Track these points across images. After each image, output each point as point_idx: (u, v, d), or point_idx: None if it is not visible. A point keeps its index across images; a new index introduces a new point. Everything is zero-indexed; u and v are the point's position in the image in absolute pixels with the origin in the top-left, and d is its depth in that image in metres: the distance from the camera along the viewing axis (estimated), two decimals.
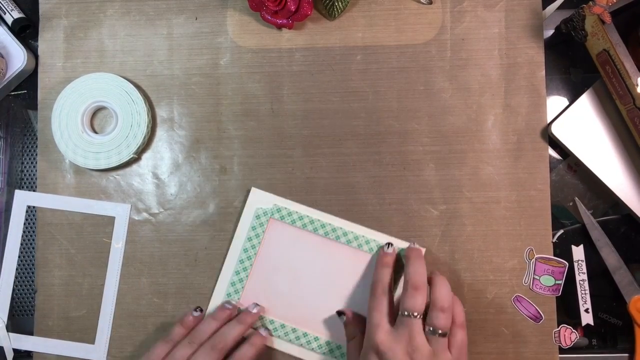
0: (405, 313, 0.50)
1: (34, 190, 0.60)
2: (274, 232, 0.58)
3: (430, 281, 0.53)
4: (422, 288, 0.51)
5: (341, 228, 0.58)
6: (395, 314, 0.51)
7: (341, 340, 0.57)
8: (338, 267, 0.58)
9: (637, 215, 0.57)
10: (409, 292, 0.51)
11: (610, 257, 0.58)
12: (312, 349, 0.57)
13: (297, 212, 0.58)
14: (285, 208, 0.58)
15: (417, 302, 0.50)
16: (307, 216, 0.58)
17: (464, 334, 0.51)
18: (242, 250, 0.58)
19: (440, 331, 0.49)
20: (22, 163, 0.61)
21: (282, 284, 0.58)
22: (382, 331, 0.50)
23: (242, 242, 0.58)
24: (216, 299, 0.58)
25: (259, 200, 0.58)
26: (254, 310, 0.56)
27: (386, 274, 0.53)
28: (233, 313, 0.56)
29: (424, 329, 0.49)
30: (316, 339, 0.57)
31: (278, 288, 0.58)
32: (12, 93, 0.62)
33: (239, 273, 0.58)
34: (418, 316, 0.49)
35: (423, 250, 0.56)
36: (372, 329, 0.51)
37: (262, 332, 0.56)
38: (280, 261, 0.58)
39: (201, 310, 0.56)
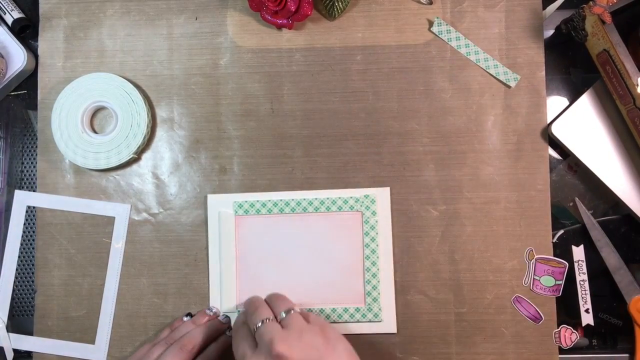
0: (258, 325, 0.48)
1: (34, 190, 0.60)
2: (243, 228, 0.58)
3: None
4: (260, 303, 0.52)
5: (304, 199, 0.58)
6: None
7: (352, 302, 0.57)
8: (316, 236, 0.58)
9: (637, 215, 0.57)
10: (252, 313, 0.51)
11: (611, 257, 0.58)
12: (334, 321, 0.57)
13: (258, 200, 0.58)
14: (246, 201, 0.58)
15: (261, 312, 0.50)
16: (269, 200, 0.58)
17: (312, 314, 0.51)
18: (219, 257, 0.58)
19: (284, 312, 0.50)
20: (22, 163, 0.61)
21: (271, 273, 0.58)
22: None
23: (217, 250, 0.58)
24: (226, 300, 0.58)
25: (218, 203, 0.58)
26: (223, 321, 0.57)
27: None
28: (212, 319, 0.57)
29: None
30: (333, 310, 0.57)
31: (270, 279, 0.58)
32: (12, 93, 0.62)
33: (227, 281, 0.58)
34: (269, 320, 0.49)
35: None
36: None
37: (221, 318, 0.57)
38: (261, 253, 0.58)
39: (191, 316, 0.57)
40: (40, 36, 0.60)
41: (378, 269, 0.57)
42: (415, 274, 0.58)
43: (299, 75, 0.60)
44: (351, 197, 0.58)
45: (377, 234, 0.58)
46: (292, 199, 0.58)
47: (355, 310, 0.57)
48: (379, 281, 0.57)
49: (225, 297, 0.58)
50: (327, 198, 0.58)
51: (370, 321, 0.57)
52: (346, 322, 0.57)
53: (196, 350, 0.52)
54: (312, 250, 0.58)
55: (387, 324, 0.57)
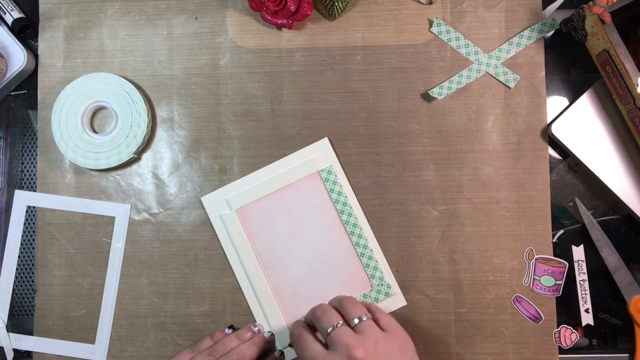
0: (329, 330, 0.49)
1: (34, 190, 0.60)
2: (248, 219, 0.58)
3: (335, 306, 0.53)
4: (327, 308, 0.52)
5: (271, 178, 0.58)
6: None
7: (359, 290, 0.57)
8: (305, 196, 0.58)
9: (637, 215, 0.57)
10: (320, 316, 0.51)
11: (611, 257, 0.58)
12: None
13: (247, 190, 0.58)
14: (238, 194, 0.58)
15: (331, 316, 0.50)
16: (254, 186, 0.58)
17: (386, 314, 0.52)
18: (240, 258, 0.58)
19: (357, 318, 0.49)
20: (22, 163, 0.61)
21: (290, 258, 0.58)
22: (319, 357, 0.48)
23: (233, 251, 0.58)
24: (271, 315, 0.58)
25: (215, 204, 0.58)
26: (269, 338, 0.57)
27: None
28: (255, 335, 0.57)
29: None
30: None
31: (293, 264, 0.58)
32: (12, 93, 0.62)
33: (258, 280, 0.58)
34: (340, 324, 0.49)
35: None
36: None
37: (266, 334, 0.57)
38: (271, 238, 0.58)
39: (234, 329, 0.57)
40: (40, 36, 0.60)
41: (367, 241, 0.57)
42: (415, 274, 0.58)
43: (299, 75, 0.60)
44: (299, 164, 0.58)
45: (341, 187, 0.58)
46: (270, 176, 0.58)
47: (364, 297, 0.57)
48: (370, 257, 0.57)
49: (263, 299, 0.58)
50: (281, 173, 0.58)
51: (381, 299, 0.57)
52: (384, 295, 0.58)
53: None
54: (308, 214, 0.58)
55: (397, 297, 0.58)
